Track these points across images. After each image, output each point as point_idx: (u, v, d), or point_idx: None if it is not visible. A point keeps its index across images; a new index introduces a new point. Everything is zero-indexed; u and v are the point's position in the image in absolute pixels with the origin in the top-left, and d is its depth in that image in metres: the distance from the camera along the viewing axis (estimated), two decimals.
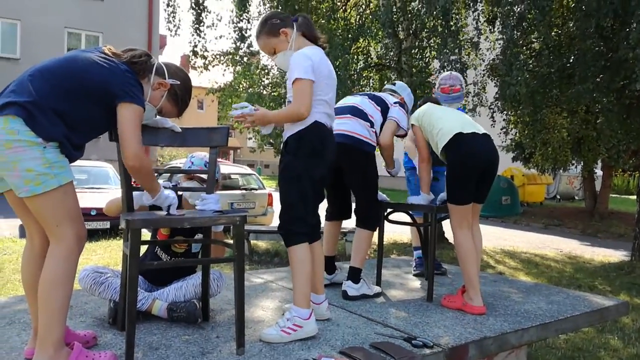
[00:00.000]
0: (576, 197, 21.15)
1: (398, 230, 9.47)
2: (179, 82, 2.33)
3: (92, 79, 2.02)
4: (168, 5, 9.68)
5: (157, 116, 2.40)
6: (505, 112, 10.93)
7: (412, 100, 3.76)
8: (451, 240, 3.38)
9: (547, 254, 8.53)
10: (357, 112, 3.29)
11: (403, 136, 3.58)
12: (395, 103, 3.46)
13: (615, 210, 15.58)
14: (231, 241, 2.31)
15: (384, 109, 3.40)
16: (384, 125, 3.37)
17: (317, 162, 2.44)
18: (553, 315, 2.98)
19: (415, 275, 4.00)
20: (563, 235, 11.57)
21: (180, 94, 2.36)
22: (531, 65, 8.97)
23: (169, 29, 9.80)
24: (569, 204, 19.48)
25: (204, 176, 2.84)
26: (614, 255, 8.71)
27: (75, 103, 1.99)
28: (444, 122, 3.11)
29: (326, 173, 2.51)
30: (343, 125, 3.20)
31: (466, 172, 2.99)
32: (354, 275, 3.24)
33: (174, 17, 9.69)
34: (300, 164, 2.41)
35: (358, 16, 10.36)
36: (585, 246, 9.99)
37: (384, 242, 3.68)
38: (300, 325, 2.33)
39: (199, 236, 2.80)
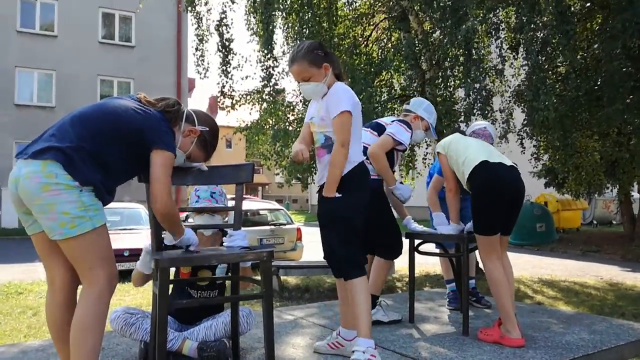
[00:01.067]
0: (614, 222, 20.49)
1: (430, 262, 9.28)
2: (207, 129, 2.39)
3: (130, 126, 2.09)
4: (196, 49, 9.98)
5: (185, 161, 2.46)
6: (534, 137, 10.76)
7: (432, 113, 3.61)
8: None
9: (587, 282, 8.22)
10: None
11: (403, 151, 3.47)
12: (393, 122, 3.39)
13: None
14: (259, 277, 2.30)
15: (381, 132, 3.36)
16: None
17: (363, 196, 2.54)
18: (596, 345, 2.85)
19: (450, 309, 3.90)
20: (602, 262, 11.15)
21: (209, 140, 2.43)
22: (558, 90, 8.87)
23: (198, 72, 10.08)
24: (606, 229, 18.86)
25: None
26: None
27: (112, 149, 2.05)
28: (470, 150, 3.08)
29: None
30: None
31: (493, 200, 2.92)
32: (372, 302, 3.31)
33: (202, 60, 9.98)
34: (352, 200, 2.47)
35: (380, 50, 10.47)
36: (627, 272, 9.59)
37: (415, 275, 3.61)
38: (375, 355, 2.36)
39: (220, 268, 2.80)
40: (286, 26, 10.02)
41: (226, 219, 2.89)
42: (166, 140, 2.15)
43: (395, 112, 10.27)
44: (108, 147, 2.05)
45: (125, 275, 8.17)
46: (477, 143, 3.19)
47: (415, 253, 3.54)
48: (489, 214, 2.94)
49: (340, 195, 2.47)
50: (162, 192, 2.09)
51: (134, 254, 8.35)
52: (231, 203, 2.79)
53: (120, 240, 8.39)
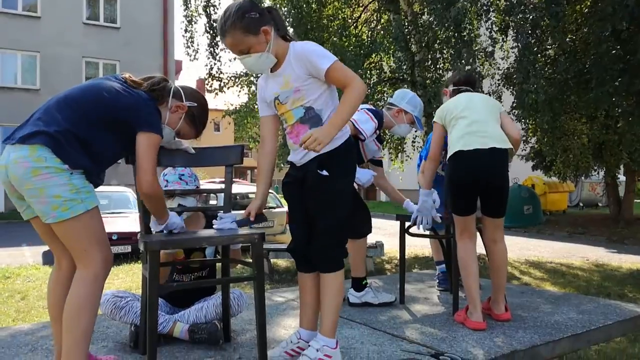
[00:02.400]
0: (600, 204, 20.77)
1: (419, 244, 9.34)
2: (196, 104, 2.35)
3: (116, 108, 2.06)
4: (186, 31, 9.86)
5: (175, 138, 2.42)
6: (523, 120, 10.82)
7: (416, 105, 3.53)
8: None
9: (574, 263, 8.34)
10: None
11: (362, 140, 3.33)
12: (362, 109, 3.32)
13: None
14: (250, 260, 2.28)
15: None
16: None
17: (351, 181, 2.29)
18: (585, 325, 2.88)
19: (440, 290, 3.93)
20: (588, 243, 11.31)
21: (198, 115, 2.38)
22: (547, 73, 8.88)
23: (187, 54, 10.00)
24: (592, 211, 19.11)
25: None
26: None
27: (99, 131, 2.03)
28: (454, 130, 2.98)
29: None
30: None
31: (457, 188, 2.94)
32: (356, 284, 3.38)
33: (192, 42, 9.87)
34: (340, 183, 2.18)
35: (369, 32, 10.40)
36: (612, 253, 9.74)
37: (406, 257, 3.62)
38: (330, 355, 2.17)
39: (210, 249, 2.77)
40: (275, 7, 9.91)
41: (213, 202, 2.85)
42: (152, 122, 2.12)
43: (385, 94, 10.24)
44: (95, 130, 2.02)
45: (114, 259, 8.15)
46: (463, 120, 2.99)
47: (405, 235, 3.54)
48: (457, 198, 2.97)
49: (327, 174, 2.13)
50: (147, 174, 2.08)
51: (123, 238, 8.32)
52: (220, 186, 2.76)
53: (108, 224, 8.25)
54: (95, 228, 1.99)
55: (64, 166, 1.91)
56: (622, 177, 15.21)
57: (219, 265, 2.75)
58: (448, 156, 2.99)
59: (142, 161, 2.07)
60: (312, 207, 2.20)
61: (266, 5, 9.67)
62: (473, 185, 2.91)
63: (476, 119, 2.96)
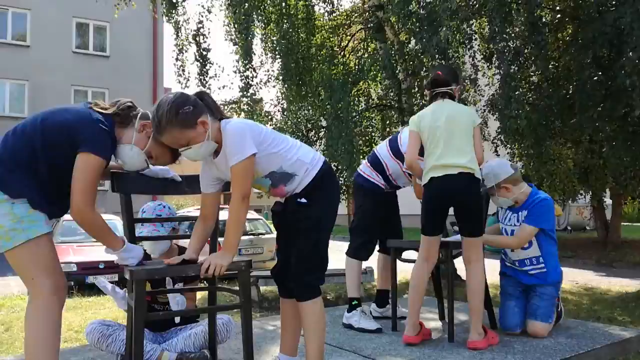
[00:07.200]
0: (587, 228, 20.88)
1: (410, 269, 9.32)
2: None
3: (59, 132, 2.02)
4: (177, 59, 9.94)
5: (152, 164, 2.32)
6: (508, 145, 10.95)
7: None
8: (463, 277, 3.34)
9: (563, 287, 8.29)
10: (370, 156, 3.72)
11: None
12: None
13: (629, 239, 15.30)
14: (237, 288, 2.27)
15: (395, 150, 3.57)
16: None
17: (332, 210, 2.27)
18: (573, 349, 2.89)
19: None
20: (577, 267, 11.32)
21: None
22: (531, 99, 9.03)
23: (179, 82, 10.05)
24: (580, 235, 19.18)
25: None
26: (631, 285, 8.50)
27: (46, 158, 2.00)
28: (427, 159, 3.05)
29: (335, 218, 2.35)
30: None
31: (429, 209, 3.04)
32: (349, 304, 3.53)
33: (183, 70, 9.94)
34: (319, 210, 2.20)
35: (357, 60, 10.55)
36: (601, 277, 9.77)
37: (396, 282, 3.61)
38: None
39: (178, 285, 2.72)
40: (265, 36, 10.04)
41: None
42: (93, 142, 1.99)
43: (373, 121, 10.34)
44: (41, 157, 1.99)
45: (100, 289, 8.03)
46: (436, 150, 3.00)
47: (397, 261, 3.54)
48: (427, 218, 3.06)
49: (306, 201, 2.18)
50: (78, 198, 1.96)
51: (110, 267, 8.21)
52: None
53: (95, 253, 8.24)
54: (41, 256, 1.97)
55: (3, 196, 1.92)
56: (608, 201, 15.36)
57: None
58: (422, 183, 3.07)
59: (74, 183, 1.97)
60: (291, 234, 2.24)
61: (258, 32, 9.82)
62: (443, 205, 3.02)
63: (446, 153, 2.97)
